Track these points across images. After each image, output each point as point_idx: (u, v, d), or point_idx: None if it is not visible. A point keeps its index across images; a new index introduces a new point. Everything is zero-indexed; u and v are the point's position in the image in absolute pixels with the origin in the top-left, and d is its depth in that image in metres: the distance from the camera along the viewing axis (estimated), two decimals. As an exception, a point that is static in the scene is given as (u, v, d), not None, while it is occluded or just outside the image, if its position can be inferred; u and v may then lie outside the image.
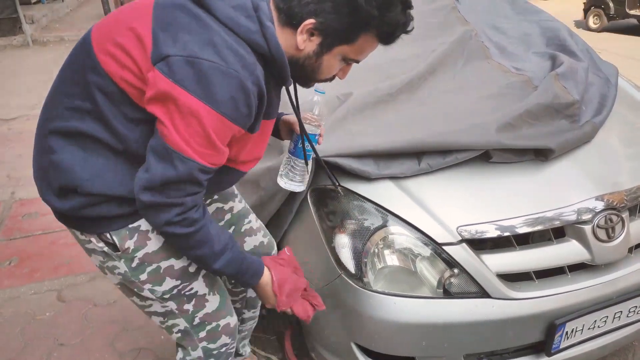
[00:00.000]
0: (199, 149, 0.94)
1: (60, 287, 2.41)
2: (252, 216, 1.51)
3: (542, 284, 1.42)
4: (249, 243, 1.49)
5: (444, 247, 1.36)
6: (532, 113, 1.64)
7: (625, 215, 1.48)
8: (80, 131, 1.01)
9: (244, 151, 1.11)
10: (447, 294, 1.37)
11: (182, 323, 1.25)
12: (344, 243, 1.42)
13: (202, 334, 1.28)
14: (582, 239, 1.43)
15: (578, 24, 9.38)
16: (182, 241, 1.04)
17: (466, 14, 2.26)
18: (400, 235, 1.39)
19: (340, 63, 1.06)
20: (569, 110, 1.70)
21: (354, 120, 1.65)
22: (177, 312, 1.22)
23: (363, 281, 1.37)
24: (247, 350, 1.78)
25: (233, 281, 1.54)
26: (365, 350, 1.46)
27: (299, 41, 0.99)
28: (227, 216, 1.45)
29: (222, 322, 1.29)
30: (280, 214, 1.62)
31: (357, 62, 1.08)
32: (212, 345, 1.30)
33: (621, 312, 1.50)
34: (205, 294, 1.24)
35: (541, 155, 1.58)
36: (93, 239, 1.11)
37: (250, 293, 1.62)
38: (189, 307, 1.23)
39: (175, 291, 1.18)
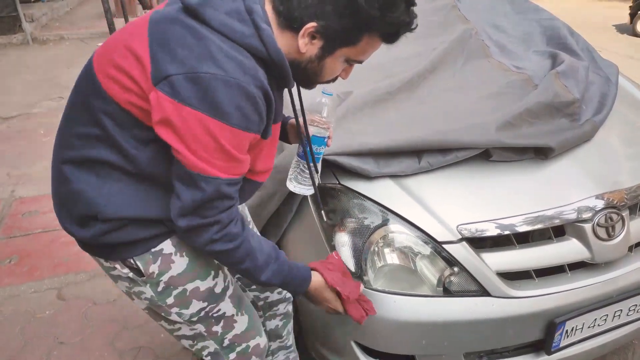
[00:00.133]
0: (220, 163, 0.94)
1: (60, 285, 2.41)
2: None
3: (542, 282, 1.42)
4: None
5: (444, 246, 1.35)
6: (532, 112, 1.64)
7: (625, 213, 1.48)
8: (92, 159, 1.01)
9: (259, 159, 1.10)
10: (447, 292, 1.37)
11: (211, 345, 1.24)
12: (344, 241, 1.42)
13: (232, 356, 1.27)
14: (582, 238, 1.43)
15: (622, 29, 8.13)
16: (227, 257, 1.05)
17: (467, 13, 2.26)
18: (400, 233, 1.39)
19: (343, 64, 1.05)
20: (569, 109, 1.70)
21: (354, 119, 1.65)
22: (205, 334, 1.22)
23: (363, 279, 1.37)
24: None
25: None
26: (365, 349, 1.46)
27: (301, 45, 0.97)
28: None
29: (252, 343, 1.29)
30: (280, 212, 1.62)
31: (360, 62, 1.06)
32: None
33: (621, 310, 1.50)
34: (233, 315, 1.23)
35: (541, 154, 1.58)
36: (117, 266, 1.10)
37: (277, 321, 1.59)
38: (217, 328, 1.22)
39: (202, 313, 1.18)
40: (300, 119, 1.22)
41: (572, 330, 1.44)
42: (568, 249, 1.44)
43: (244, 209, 1.50)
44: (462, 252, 1.36)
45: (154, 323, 1.33)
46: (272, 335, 1.60)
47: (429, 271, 1.39)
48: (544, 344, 1.45)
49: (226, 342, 1.24)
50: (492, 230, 1.38)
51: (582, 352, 1.50)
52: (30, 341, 2.08)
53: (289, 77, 1.01)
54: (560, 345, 1.45)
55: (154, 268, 1.09)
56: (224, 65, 0.89)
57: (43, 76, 5.68)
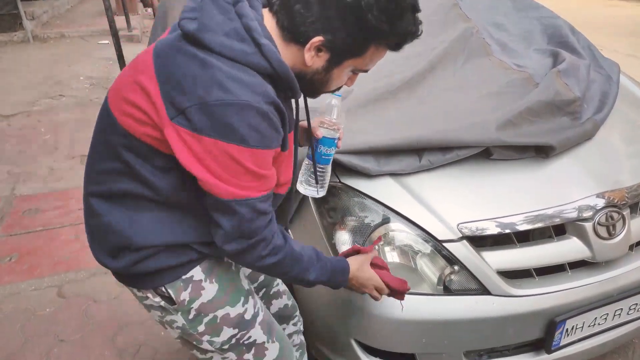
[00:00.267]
0: (248, 184, 0.95)
1: (61, 283, 2.41)
2: (279, 279, 1.51)
3: (542, 281, 1.42)
4: (275, 305, 1.49)
5: (445, 244, 1.35)
6: (533, 110, 1.64)
7: (626, 212, 1.47)
8: (118, 192, 1.03)
9: (279, 172, 1.09)
10: (448, 290, 1.38)
11: None
12: (344, 240, 1.42)
13: None
14: (582, 237, 1.43)
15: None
16: (278, 268, 1.07)
17: (467, 11, 2.26)
18: (400, 232, 1.39)
19: (349, 74, 1.06)
20: (570, 107, 1.70)
21: (354, 118, 1.65)
22: None
23: (363, 278, 1.37)
24: None
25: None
26: (365, 347, 1.46)
27: (307, 58, 0.97)
28: (261, 278, 1.44)
29: None
30: (279, 211, 1.61)
31: (366, 71, 1.07)
32: None
33: (621, 309, 1.50)
34: (264, 342, 1.23)
35: (542, 152, 1.57)
36: (149, 294, 1.11)
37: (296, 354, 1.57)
38: (249, 356, 1.22)
39: (233, 341, 1.18)
40: (304, 122, 1.22)
41: (572, 329, 1.44)
42: (569, 248, 1.44)
43: None
44: (462, 251, 1.35)
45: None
46: None
47: (430, 269, 1.38)
48: (544, 343, 1.45)
49: None
50: (492, 229, 1.37)
51: (582, 351, 1.50)
52: (31, 339, 2.09)
53: (295, 89, 1.01)
54: (561, 344, 1.45)
55: (184, 295, 1.10)
56: (232, 89, 0.89)
57: (44, 74, 5.68)
